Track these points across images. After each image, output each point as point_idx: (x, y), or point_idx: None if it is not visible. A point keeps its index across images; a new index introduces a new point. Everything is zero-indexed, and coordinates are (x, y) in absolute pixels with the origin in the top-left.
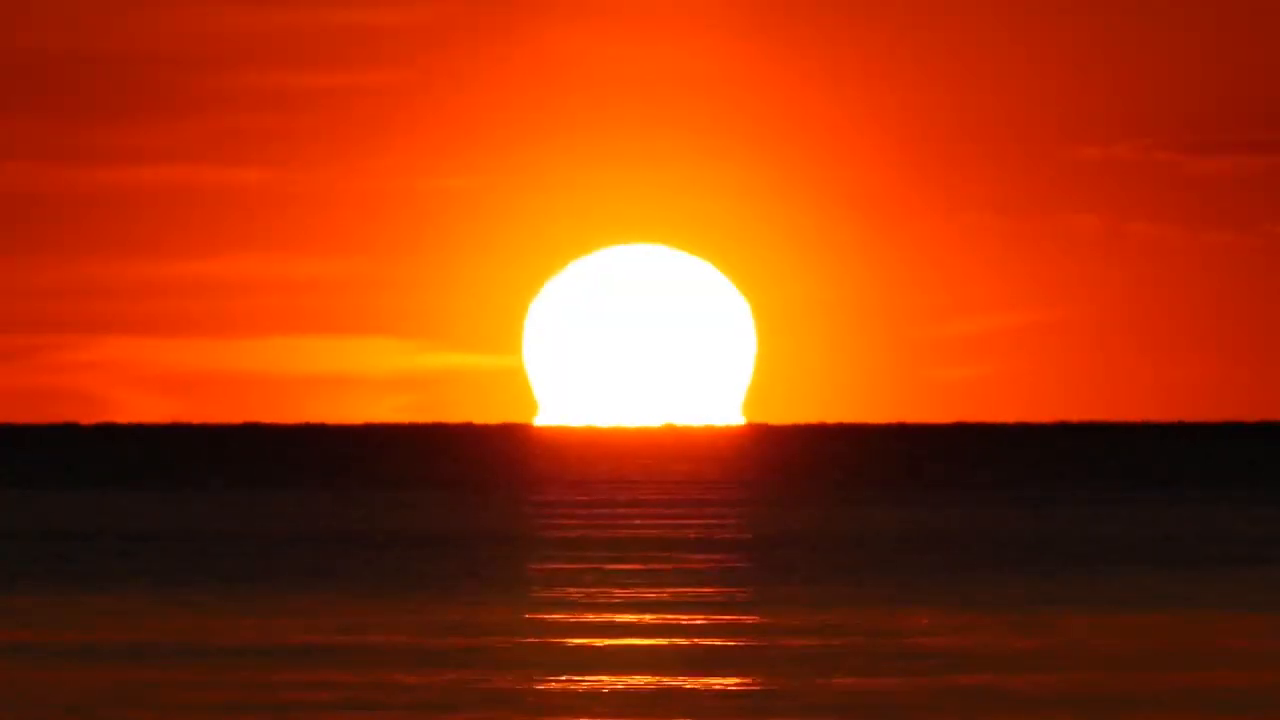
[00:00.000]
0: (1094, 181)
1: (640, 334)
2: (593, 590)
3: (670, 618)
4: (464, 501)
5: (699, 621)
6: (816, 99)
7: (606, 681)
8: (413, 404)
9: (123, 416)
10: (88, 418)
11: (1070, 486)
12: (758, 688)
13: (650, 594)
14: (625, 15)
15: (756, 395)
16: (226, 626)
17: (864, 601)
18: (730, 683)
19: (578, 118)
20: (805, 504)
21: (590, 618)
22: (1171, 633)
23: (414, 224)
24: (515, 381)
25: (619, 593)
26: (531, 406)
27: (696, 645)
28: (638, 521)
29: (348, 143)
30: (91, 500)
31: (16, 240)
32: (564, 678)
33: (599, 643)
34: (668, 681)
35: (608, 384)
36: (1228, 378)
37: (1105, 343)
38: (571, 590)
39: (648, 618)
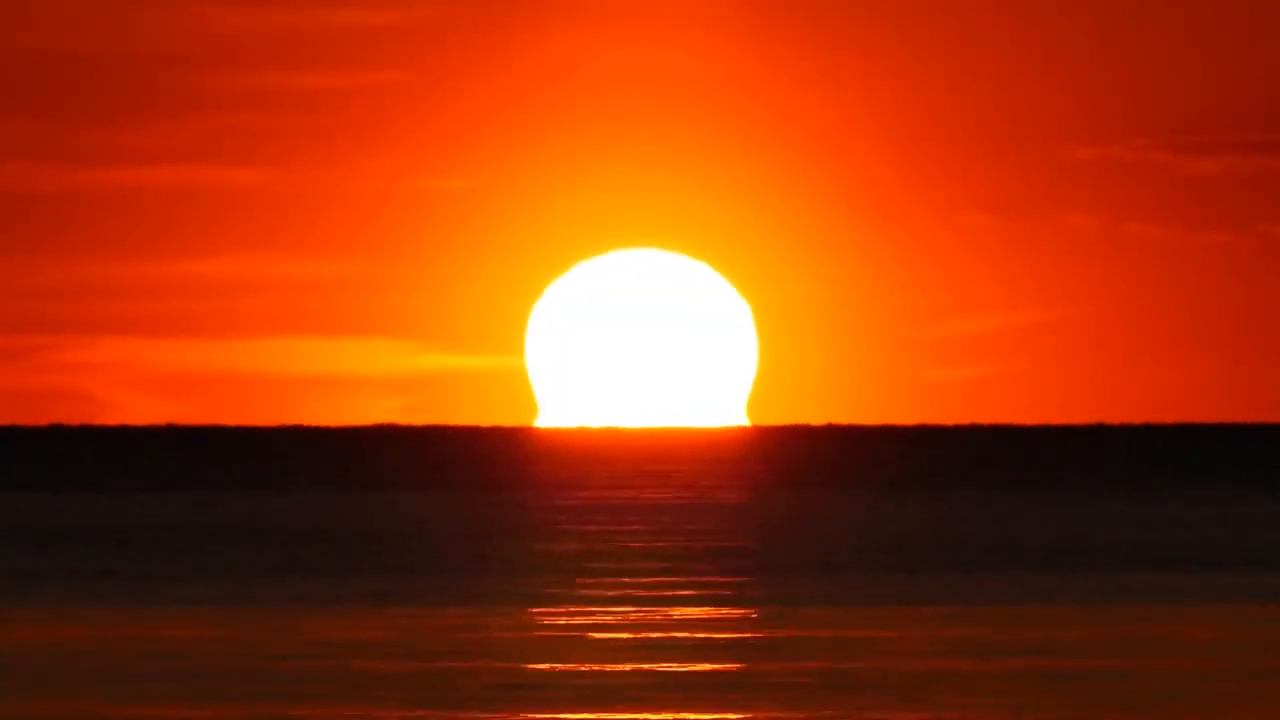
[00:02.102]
0: (1091, 181)
1: (643, 336)
2: (595, 603)
3: (679, 635)
4: (463, 502)
5: (709, 638)
6: (816, 100)
7: None
8: (412, 405)
9: (122, 418)
10: (87, 419)
11: (1072, 487)
12: None
13: (656, 610)
14: (626, 17)
15: (759, 397)
16: (220, 634)
17: (873, 620)
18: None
19: (581, 120)
20: (812, 507)
21: (592, 636)
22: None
23: (415, 225)
24: (516, 383)
25: (622, 606)
26: (532, 408)
27: (710, 671)
28: (640, 528)
29: (348, 143)
30: (88, 502)
31: (16, 240)
32: (565, 715)
33: (602, 667)
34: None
35: (610, 386)
36: (1227, 378)
37: (1105, 343)
38: (573, 604)
39: (655, 635)
